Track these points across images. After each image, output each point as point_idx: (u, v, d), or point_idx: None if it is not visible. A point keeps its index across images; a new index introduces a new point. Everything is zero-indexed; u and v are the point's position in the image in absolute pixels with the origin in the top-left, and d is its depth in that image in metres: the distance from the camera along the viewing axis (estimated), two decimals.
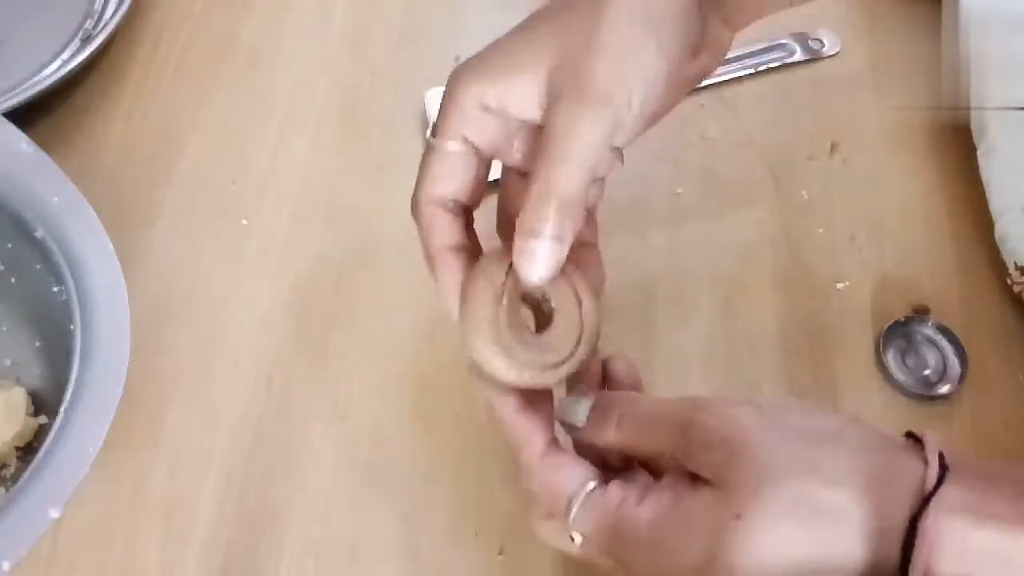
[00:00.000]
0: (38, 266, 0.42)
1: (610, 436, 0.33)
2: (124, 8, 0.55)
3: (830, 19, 0.62)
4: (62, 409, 0.36)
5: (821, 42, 0.60)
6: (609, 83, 0.32)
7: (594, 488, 0.32)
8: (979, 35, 0.52)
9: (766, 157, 0.55)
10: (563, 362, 0.36)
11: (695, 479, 0.30)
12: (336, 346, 0.47)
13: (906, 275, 0.50)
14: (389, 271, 0.49)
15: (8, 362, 0.44)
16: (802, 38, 0.60)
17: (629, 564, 0.31)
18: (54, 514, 0.34)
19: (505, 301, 0.35)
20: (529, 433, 0.34)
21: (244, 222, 0.51)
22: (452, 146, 0.34)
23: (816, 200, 0.53)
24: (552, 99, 0.32)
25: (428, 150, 0.35)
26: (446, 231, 0.35)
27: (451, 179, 0.35)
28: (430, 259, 0.35)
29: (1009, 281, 0.48)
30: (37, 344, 0.45)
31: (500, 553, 0.41)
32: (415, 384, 0.46)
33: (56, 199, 0.42)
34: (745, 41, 0.59)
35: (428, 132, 0.53)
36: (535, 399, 0.35)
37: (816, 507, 0.28)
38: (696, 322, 0.48)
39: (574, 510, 0.32)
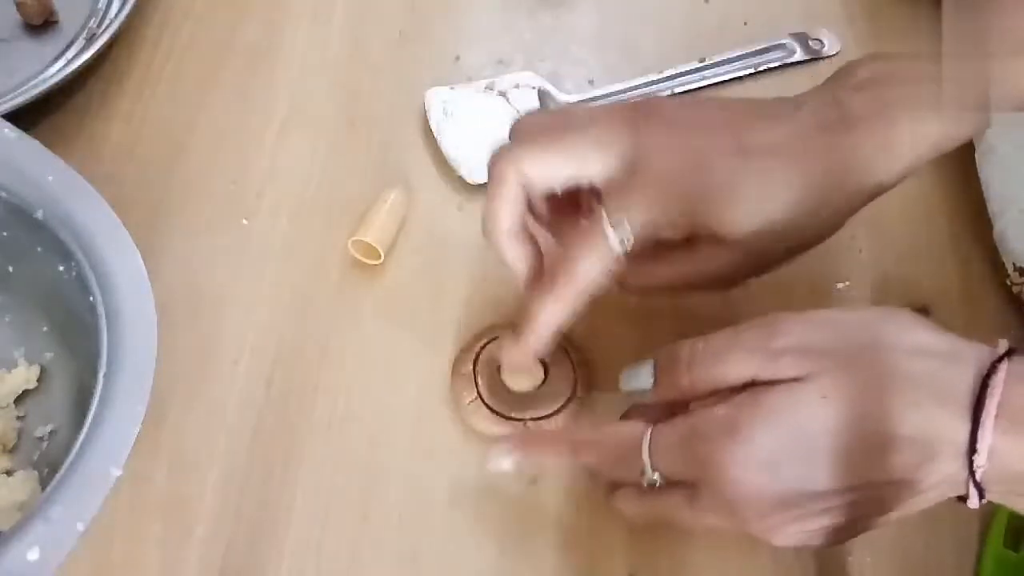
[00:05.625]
0: (39, 249, 0.42)
1: (684, 382, 0.35)
2: (128, 7, 0.55)
3: (830, 19, 0.62)
4: (100, 375, 0.37)
5: (821, 42, 0.60)
6: None
7: (658, 423, 0.35)
8: None
9: None
10: (560, 409, 0.42)
11: (772, 383, 0.33)
12: (336, 346, 0.47)
13: (906, 275, 0.50)
14: (389, 271, 0.49)
15: (20, 351, 0.45)
16: (802, 38, 0.60)
17: (711, 457, 0.33)
18: (116, 472, 0.34)
19: (480, 381, 0.43)
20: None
21: (244, 222, 0.51)
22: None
23: None
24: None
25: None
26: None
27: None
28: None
29: (1008, 282, 0.48)
30: (44, 329, 0.45)
31: (500, 553, 0.41)
32: (415, 384, 0.46)
33: (51, 178, 0.42)
34: (745, 41, 0.59)
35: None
36: None
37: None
38: (696, 322, 0.48)
39: (647, 441, 0.34)
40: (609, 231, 0.37)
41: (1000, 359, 0.32)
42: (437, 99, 0.55)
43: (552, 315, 0.38)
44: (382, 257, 0.49)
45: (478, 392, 0.43)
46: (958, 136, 0.38)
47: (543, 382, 0.44)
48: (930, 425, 0.31)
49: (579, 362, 0.45)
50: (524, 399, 0.43)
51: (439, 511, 0.42)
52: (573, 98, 0.57)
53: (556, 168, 0.38)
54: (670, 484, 0.35)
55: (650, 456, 0.34)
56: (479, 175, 0.52)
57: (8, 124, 0.43)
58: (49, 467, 0.42)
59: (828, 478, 0.32)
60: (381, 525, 0.42)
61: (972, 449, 0.31)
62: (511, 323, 0.46)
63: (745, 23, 0.61)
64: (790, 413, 0.32)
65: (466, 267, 0.50)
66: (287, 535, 0.41)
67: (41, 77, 0.53)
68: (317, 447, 0.44)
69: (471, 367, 0.44)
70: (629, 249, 0.37)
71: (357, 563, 0.41)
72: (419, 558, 0.41)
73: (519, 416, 0.43)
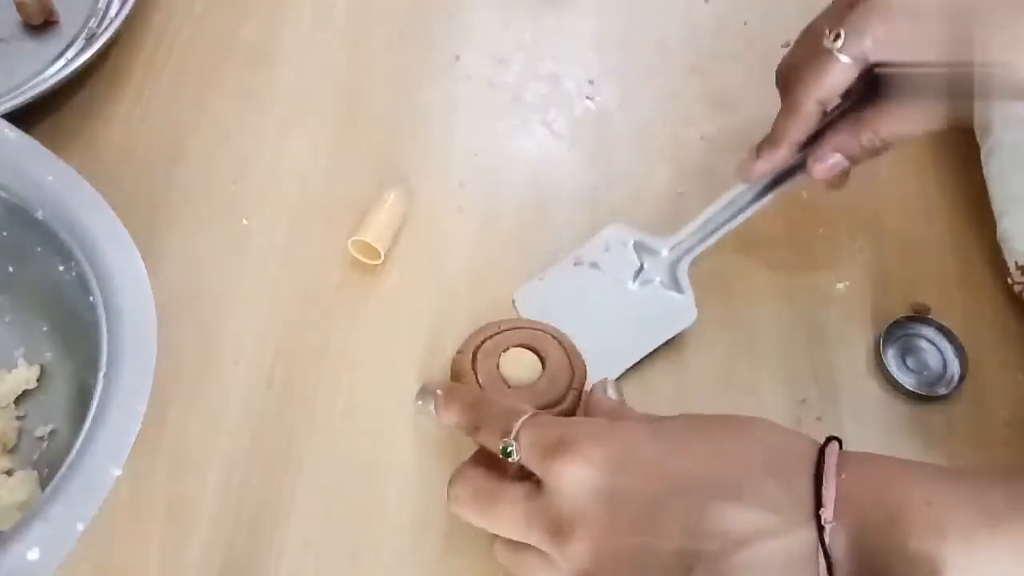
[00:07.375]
0: (39, 249, 0.42)
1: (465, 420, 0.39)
2: (128, 7, 0.55)
3: None
4: (100, 375, 0.36)
5: None
6: None
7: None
8: None
9: None
10: (555, 404, 0.41)
11: None
12: (336, 346, 0.47)
13: (906, 275, 0.50)
14: (389, 271, 0.49)
15: (20, 351, 0.45)
16: None
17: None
18: (116, 472, 0.34)
19: (480, 379, 0.43)
20: None
21: (244, 222, 0.51)
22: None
23: (816, 200, 0.53)
24: None
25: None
26: None
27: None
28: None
29: (1010, 281, 0.48)
30: (44, 329, 0.45)
31: None
32: (415, 383, 0.46)
33: (51, 178, 0.42)
34: (745, 41, 0.59)
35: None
36: None
37: None
38: (696, 321, 0.48)
39: (524, 416, 0.37)
40: (836, 46, 0.41)
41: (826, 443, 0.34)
42: (530, 297, 0.48)
43: (792, 129, 0.44)
44: (382, 257, 0.49)
45: (480, 390, 0.43)
46: None
47: (541, 374, 0.43)
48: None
49: (572, 350, 0.45)
50: (524, 392, 0.43)
51: (439, 510, 0.42)
52: (671, 241, 0.49)
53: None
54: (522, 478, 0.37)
55: (519, 428, 0.37)
56: (604, 372, 0.44)
57: (8, 124, 0.43)
58: (49, 467, 0.42)
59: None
60: (381, 525, 0.42)
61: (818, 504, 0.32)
62: (506, 321, 0.46)
63: (745, 23, 0.61)
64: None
65: (466, 267, 0.50)
66: (287, 535, 0.42)
67: (41, 77, 0.53)
68: (317, 447, 0.44)
69: (470, 365, 0.44)
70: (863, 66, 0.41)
71: (357, 563, 0.41)
72: (419, 558, 0.41)
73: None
